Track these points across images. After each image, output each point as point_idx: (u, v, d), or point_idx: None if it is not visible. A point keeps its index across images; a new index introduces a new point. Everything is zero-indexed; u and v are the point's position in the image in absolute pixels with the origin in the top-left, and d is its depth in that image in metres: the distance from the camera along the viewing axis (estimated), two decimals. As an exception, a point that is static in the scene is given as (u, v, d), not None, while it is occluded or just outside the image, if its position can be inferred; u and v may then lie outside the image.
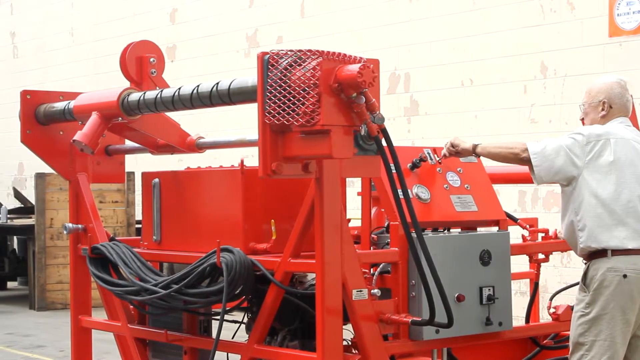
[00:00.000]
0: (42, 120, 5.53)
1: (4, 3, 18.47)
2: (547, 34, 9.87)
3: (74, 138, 5.05)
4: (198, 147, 5.32)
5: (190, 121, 13.36)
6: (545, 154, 4.59)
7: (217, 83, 4.58)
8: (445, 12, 10.82)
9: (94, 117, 5.06)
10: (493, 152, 4.73)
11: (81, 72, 15.55)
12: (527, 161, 4.63)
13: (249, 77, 4.39)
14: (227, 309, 4.40)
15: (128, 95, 4.97)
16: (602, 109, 4.78)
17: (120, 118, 5.07)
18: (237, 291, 4.46)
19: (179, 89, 4.75)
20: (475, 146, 4.75)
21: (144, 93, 4.95)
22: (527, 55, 10.01)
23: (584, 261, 4.71)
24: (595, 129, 4.68)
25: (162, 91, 4.84)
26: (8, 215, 14.02)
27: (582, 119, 4.89)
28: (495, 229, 4.94)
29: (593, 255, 4.62)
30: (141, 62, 5.32)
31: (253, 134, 4.56)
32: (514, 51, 10.15)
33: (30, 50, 17.67)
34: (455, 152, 4.81)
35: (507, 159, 4.71)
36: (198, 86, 4.66)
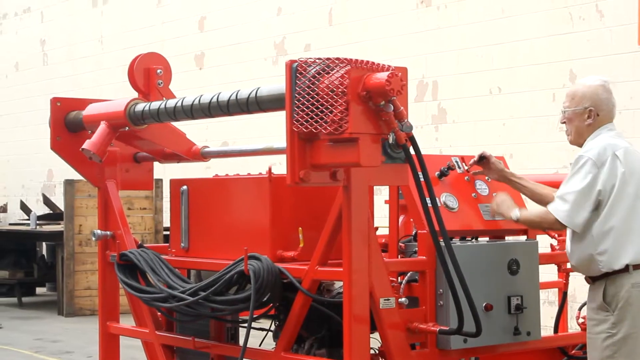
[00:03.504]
0: (72, 127, 5.58)
1: (35, 11, 18.61)
2: (576, 42, 9.82)
3: (83, 147, 5.23)
4: (203, 155, 5.47)
5: (217, 128, 13.46)
6: (571, 216, 4.44)
7: (238, 92, 4.62)
8: (474, 20, 10.80)
9: (103, 126, 5.24)
10: (530, 219, 4.63)
11: (110, 80, 15.63)
12: (562, 226, 4.54)
13: (277, 85, 4.40)
14: (255, 316, 4.41)
15: (135, 105, 5.10)
16: (589, 117, 4.59)
17: (127, 127, 5.22)
18: (265, 299, 4.46)
19: (213, 96, 4.78)
20: (513, 216, 4.64)
21: (165, 102, 5.06)
22: (556, 63, 9.96)
23: (593, 280, 4.58)
24: (599, 157, 4.46)
25: (200, 96, 4.88)
26: (37, 222, 14.11)
27: (564, 123, 4.70)
28: (523, 237, 4.91)
29: (611, 273, 4.48)
30: (149, 73, 5.45)
31: (280, 141, 4.57)
32: (543, 59, 10.10)
33: (60, 58, 17.79)
34: (494, 203, 4.77)
35: (535, 223, 4.66)
36: (218, 94, 4.68)
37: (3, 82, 19.50)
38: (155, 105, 5.10)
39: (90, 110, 5.44)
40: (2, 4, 19.60)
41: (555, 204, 4.49)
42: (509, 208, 4.66)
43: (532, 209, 4.75)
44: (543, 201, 4.81)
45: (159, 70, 5.44)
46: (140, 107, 5.16)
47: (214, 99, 4.75)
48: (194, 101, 4.86)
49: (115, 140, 5.45)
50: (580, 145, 4.65)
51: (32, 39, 18.59)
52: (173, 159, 5.63)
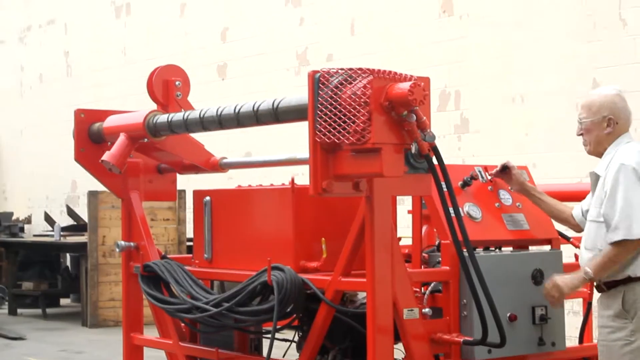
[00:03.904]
0: (95, 138, 5.60)
1: (59, 23, 18.73)
2: (599, 51, 9.78)
3: (102, 158, 5.29)
4: (221, 167, 5.51)
5: (239, 139, 13.48)
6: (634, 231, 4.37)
7: (260, 102, 4.62)
8: (496, 29, 10.78)
9: (122, 138, 5.29)
10: (605, 266, 4.45)
11: (133, 91, 15.69)
12: (635, 243, 4.41)
13: (299, 95, 4.41)
14: (278, 327, 4.41)
15: (154, 117, 5.13)
16: (608, 126, 4.58)
17: (146, 139, 5.28)
18: (288, 310, 4.46)
19: (234, 107, 4.79)
20: (585, 275, 4.47)
21: (185, 113, 5.08)
22: (579, 72, 9.92)
23: (604, 287, 4.53)
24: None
25: (220, 108, 4.89)
26: (61, 233, 14.17)
27: (581, 134, 4.68)
28: (547, 247, 4.89)
29: (629, 280, 4.46)
30: (167, 85, 5.50)
31: (303, 152, 4.57)
32: (566, 68, 10.07)
33: (84, 69, 17.89)
34: (561, 294, 4.54)
35: (619, 260, 4.43)
36: (240, 105, 4.69)
37: (27, 94, 19.63)
38: (174, 116, 5.10)
39: (109, 122, 5.48)
40: (26, 16, 19.74)
41: (622, 226, 4.37)
42: (573, 278, 4.51)
43: (588, 254, 4.58)
44: (560, 217, 4.81)
45: (177, 82, 5.48)
46: (159, 118, 5.19)
47: (235, 111, 4.76)
48: (214, 113, 4.86)
49: (134, 152, 5.48)
50: (600, 155, 4.65)
51: (56, 50, 18.70)
52: (192, 170, 5.65)
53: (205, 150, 5.53)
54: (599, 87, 4.62)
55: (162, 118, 5.17)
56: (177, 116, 5.10)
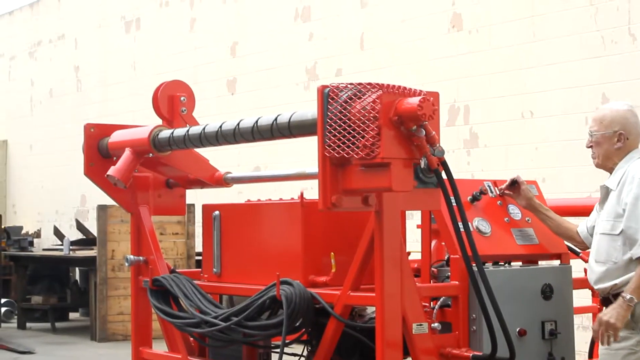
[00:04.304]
0: (105, 153, 5.62)
1: (69, 38, 18.80)
2: (609, 66, 9.77)
3: (108, 173, 5.32)
4: (226, 181, 5.52)
5: (248, 153, 13.49)
6: None
7: (269, 117, 4.64)
8: (505, 44, 10.78)
9: (127, 153, 5.34)
10: None
11: (143, 105, 15.72)
12: None
13: (308, 110, 4.42)
14: (287, 341, 4.40)
15: (159, 132, 5.15)
16: (618, 141, 4.61)
17: (151, 154, 5.32)
18: (297, 324, 4.46)
19: (243, 122, 4.80)
20: (629, 303, 4.40)
21: (194, 128, 5.08)
22: (588, 87, 9.92)
23: (613, 299, 4.50)
24: None
25: (223, 123, 4.91)
26: (70, 247, 14.19)
27: (591, 146, 4.70)
28: (557, 262, 4.88)
29: None
30: (172, 100, 5.53)
31: (312, 166, 4.57)
32: (575, 83, 10.07)
33: (94, 84, 17.94)
34: (616, 330, 4.43)
35: None
36: (258, 119, 4.70)
37: (37, 108, 19.70)
38: (178, 132, 5.13)
39: (115, 137, 5.51)
40: (36, 31, 19.83)
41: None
42: (619, 309, 4.42)
43: (626, 276, 4.51)
44: (565, 235, 4.82)
45: (182, 98, 5.52)
46: (163, 134, 5.23)
47: (245, 125, 4.77)
48: (231, 127, 4.86)
49: (140, 167, 5.50)
50: (608, 169, 4.67)
51: (66, 65, 18.77)
52: (196, 185, 5.68)
53: (210, 165, 5.56)
54: (609, 101, 4.62)
55: (167, 133, 5.20)
56: (181, 132, 5.12)
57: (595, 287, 4.63)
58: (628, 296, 4.40)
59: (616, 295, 4.49)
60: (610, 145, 4.62)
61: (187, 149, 5.27)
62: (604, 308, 4.54)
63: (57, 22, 19.17)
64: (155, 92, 5.52)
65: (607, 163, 4.66)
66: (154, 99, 5.52)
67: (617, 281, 4.51)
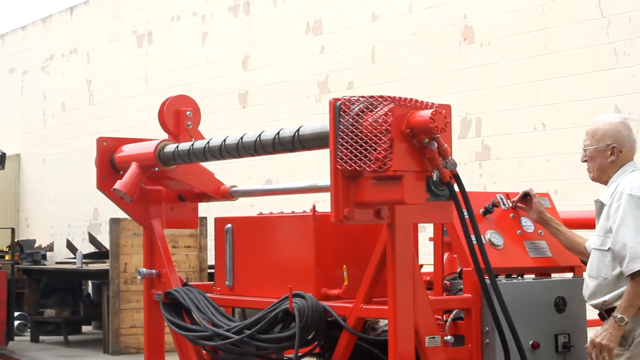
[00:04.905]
0: (118, 166, 5.64)
1: (81, 52, 18.88)
2: (621, 78, 9.76)
3: (114, 187, 5.36)
4: (231, 195, 5.56)
5: (260, 166, 13.51)
6: None
7: (278, 131, 4.64)
8: (517, 57, 10.78)
9: (133, 167, 5.39)
10: (632, 303, 4.37)
11: (155, 119, 15.77)
12: None
13: (320, 123, 4.42)
14: (300, 354, 4.40)
15: (165, 146, 5.25)
16: (612, 154, 4.60)
17: (157, 168, 5.36)
18: (310, 337, 4.46)
19: (255, 135, 4.81)
20: (620, 322, 4.38)
21: (201, 142, 5.11)
22: (600, 99, 9.90)
23: (605, 315, 4.50)
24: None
25: (243, 136, 4.92)
26: (83, 260, 14.21)
27: (585, 161, 4.70)
28: (569, 275, 4.87)
29: None
30: (178, 115, 5.58)
31: (324, 179, 4.58)
32: (587, 95, 10.06)
33: (106, 98, 18.01)
34: (611, 351, 4.40)
35: None
36: (269, 132, 4.71)
37: (50, 122, 19.77)
38: (183, 146, 5.18)
39: (122, 151, 5.56)
40: (49, 46, 19.92)
41: (635, 257, 4.34)
42: (610, 330, 4.40)
43: (615, 292, 4.51)
44: (575, 250, 4.80)
45: (188, 112, 5.57)
46: (169, 148, 5.29)
47: (256, 139, 4.78)
48: (224, 142, 4.91)
49: (147, 180, 5.54)
50: (604, 183, 4.66)
51: (79, 79, 18.84)
52: (202, 198, 5.74)
53: (215, 178, 5.62)
54: (622, 114, 4.61)
55: (172, 148, 5.26)
56: (185, 146, 5.17)
57: (589, 302, 4.62)
58: (619, 316, 4.39)
59: (608, 311, 4.49)
60: (604, 158, 4.62)
61: (192, 162, 5.30)
62: (603, 323, 4.53)
63: (70, 37, 19.25)
64: (161, 107, 5.59)
65: (602, 177, 4.65)
66: (159, 114, 5.59)
67: (606, 298, 4.51)
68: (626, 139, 4.63)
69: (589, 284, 4.59)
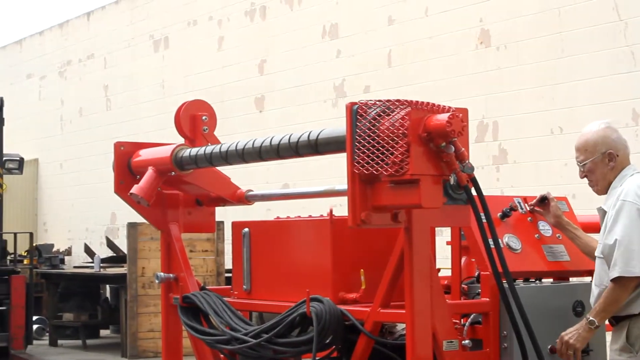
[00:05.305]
0: (135, 171, 5.65)
1: (98, 57, 18.95)
2: (639, 81, 9.72)
3: (131, 191, 5.36)
4: (247, 199, 5.55)
5: (277, 170, 13.52)
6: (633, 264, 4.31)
7: (298, 134, 4.64)
8: (534, 60, 10.76)
9: (150, 171, 5.39)
10: (606, 309, 4.37)
11: (171, 124, 15.80)
12: (633, 280, 4.34)
13: (337, 127, 4.42)
14: (317, 358, 4.39)
15: (181, 151, 5.22)
16: (610, 160, 4.56)
17: (173, 172, 5.36)
18: (327, 341, 4.45)
19: (268, 139, 4.81)
20: (590, 325, 4.38)
21: (217, 146, 5.12)
22: (618, 103, 9.87)
23: (613, 321, 4.49)
24: None
25: (250, 141, 4.94)
26: (101, 264, 14.26)
27: (585, 177, 4.66)
28: (588, 279, 4.85)
29: (634, 314, 4.44)
30: (194, 119, 5.58)
31: (341, 183, 4.58)
32: (604, 98, 10.02)
33: (123, 103, 18.07)
34: (577, 350, 4.39)
35: (620, 299, 4.36)
36: (289, 136, 4.72)
37: (67, 127, 19.85)
38: (200, 150, 5.18)
39: (138, 156, 5.57)
40: (66, 51, 20.00)
41: (620, 262, 4.32)
42: (580, 330, 4.39)
43: (596, 290, 4.53)
44: (593, 254, 4.78)
45: (204, 117, 5.58)
46: (185, 152, 5.29)
47: (272, 143, 4.78)
48: (269, 143, 4.88)
49: (163, 185, 5.55)
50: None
51: (96, 84, 18.91)
52: (219, 202, 5.72)
53: (232, 183, 5.60)
54: (589, 124, 4.59)
55: (188, 152, 5.25)
56: (202, 150, 5.17)
57: None
58: (590, 318, 4.39)
59: (615, 318, 4.48)
60: (604, 167, 4.60)
61: (208, 167, 5.30)
62: (612, 329, 4.52)
63: (87, 42, 19.33)
64: (178, 112, 5.59)
65: (607, 186, 4.63)
66: (176, 119, 5.60)
67: None
68: (618, 142, 4.61)
69: (593, 291, 4.58)
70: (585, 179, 4.71)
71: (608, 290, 4.39)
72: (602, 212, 4.60)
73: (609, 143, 4.59)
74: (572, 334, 4.42)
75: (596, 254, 4.58)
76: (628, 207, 4.42)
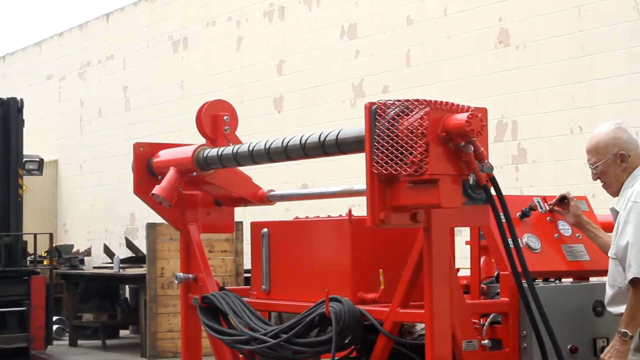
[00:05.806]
0: (155, 171, 5.67)
1: (117, 58, 19.02)
2: (659, 79, 9.69)
3: (153, 192, 5.36)
4: (268, 199, 5.54)
5: (296, 170, 13.53)
6: None
7: (318, 134, 4.64)
8: (553, 59, 10.73)
9: (171, 171, 5.38)
10: (635, 316, 4.32)
11: (191, 124, 15.82)
12: None
13: (356, 127, 4.42)
14: (336, 358, 4.39)
15: (202, 151, 5.22)
16: (622, 161, 4.54)
17: (195, 172, 5.35)
18: (346, 341, 4.45)
19: (289, 139, 4.81)
20: (624, 337, 4.33)
21: (235, 147, 5.14)
22: (638, 102, 9.83)
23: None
24: None
25: (284, 139, 4.93)
26: (120, 265, 14.30)
27: (598, 179, 4.63)
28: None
29: None
30: (216, 120, 5.57)
31: (359, 183, 4.57)
32: (624, 97, 9.98)
33: (142, 104, 18.12)
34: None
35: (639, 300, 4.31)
36: (294, 137, 4.72)
37: (87, 128, 19.93)
38: (222, 150, 5.18)
39: (159, 156, 5.57)
40: (85, 52, 20.08)
41: (634, 263, 4.29)
42: (618, 346, 4.35)
43: (610, 290, 4.52)
44: None
45: (225, 117, 5.57)
46: (207, 152, 5.28)
47: (293, 142, 4.78)
48: (264, 145, 4.90)
49: (184, 185, 5.55)
50: None
51: (115, 85, 18.98)
52: (240, 203, 5.71)
53: (253, 183, 5.59)
54: (600, 125, 4.58)
55: (212, 152, 5.24)
56: (224, 150, 5.17)
57: (609, 309, 4.58)
58: (622, 330, 4.36)
59: None
60: (616, 168, 4.57)
61: (230, 167, 5.30)
62: None
63: (106, 43, 19.40)
64: (199, 112, 5.59)
65: (621, 187, 4.60)
66: (197, 119, 5.59)
67: (623, 308, 4.43)
68: (629, 142, 4.59)
69: (607, 292, 4.56)
70: (598, 180, 4.67)
71: (630, 298, 4.35)
72: (615, 213, 4.58)
73: (620, 144, 4.57)
74: (610, 352, 4.38)
75: (609, 254, 4.56)
76: (638, 209, 4.39)
